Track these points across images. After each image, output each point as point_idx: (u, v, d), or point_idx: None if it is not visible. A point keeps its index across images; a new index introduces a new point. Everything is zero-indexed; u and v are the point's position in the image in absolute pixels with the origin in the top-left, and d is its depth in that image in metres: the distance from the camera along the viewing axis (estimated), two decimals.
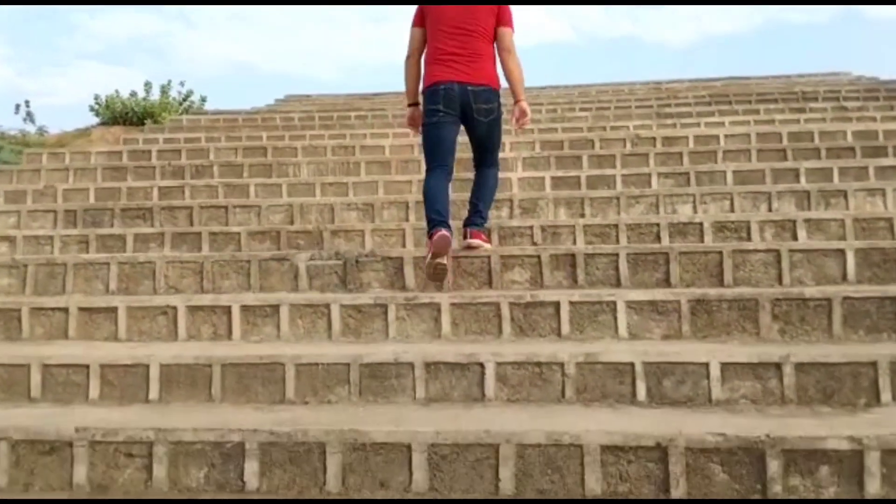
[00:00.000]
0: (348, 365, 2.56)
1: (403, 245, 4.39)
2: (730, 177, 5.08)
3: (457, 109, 3.50)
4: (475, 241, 3.58)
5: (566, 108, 8.74)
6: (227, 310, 3.06)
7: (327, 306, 3.03)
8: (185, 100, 15.40)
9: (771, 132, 6.09)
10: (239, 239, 4.49)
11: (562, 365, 2.50)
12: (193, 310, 3.08)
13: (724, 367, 2.45)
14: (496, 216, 4.73)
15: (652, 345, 2.76)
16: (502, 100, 3.63)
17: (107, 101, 14.64)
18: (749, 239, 4.11)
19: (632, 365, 2.47)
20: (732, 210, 4.61)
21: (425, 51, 3.63)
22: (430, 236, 3.31)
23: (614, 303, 2.92)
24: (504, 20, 3.59)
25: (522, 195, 4.86)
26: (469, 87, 3.46)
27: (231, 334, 3.05)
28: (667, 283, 3.31)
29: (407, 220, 4.79)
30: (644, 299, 2.91)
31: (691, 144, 6.02)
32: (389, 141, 7.13)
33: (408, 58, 3.70)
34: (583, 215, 4.69)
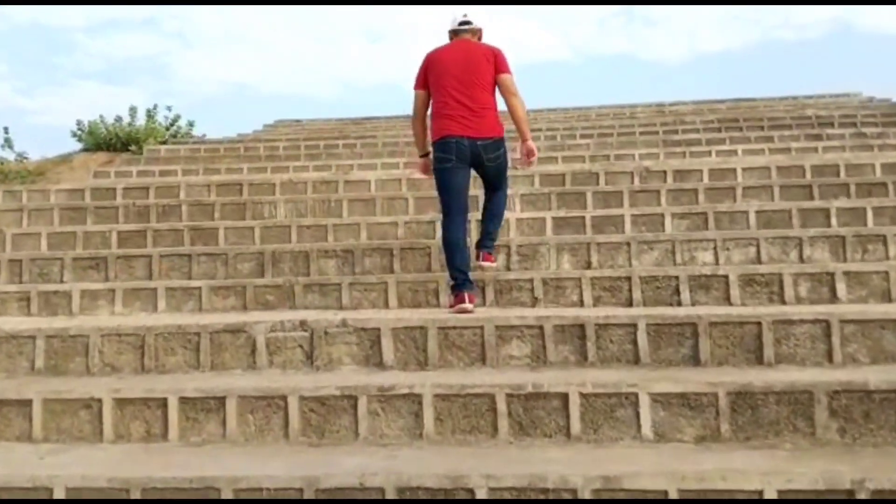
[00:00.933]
0: (301, 491, 2.01)
1: (386, 302, 3.86)
2: (752, 218, 4.56)
3: (467, 160, 3.74)
4: (486, 263, 3.90)
5: (566, 134, 8.24)
6: (163, 402, 2.52)
7: (284, 399, 2.49)
8: (172, 124, 14.93)
9: (793, 165, 5.59)
10: (199, 295, 3.96)
11: (574, 492, 1.95)
12: (122, 403, 2.54)
13: (783, 495, 1.91)
14: (494, 268, 4.21)
15: (684, 453, 2.21)
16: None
17: (90, 126, 14.18)
18: (782, 294, 3.59)
19: (665, 494, 1.92)
20: (759, 258, 4.09)
21: (431, 106, 3.85)
22: (455, 296, 3.53)
23: (636, 395, 2.38)
24: (502, 67, 3.80)
25: (521, 240, 4.33)
26: (478, 142, 3.70)
27: (167, 433, 2.50)
28: (695, 360, 2.77)
29: (391, 269, 4.26)
30: (672, 391, 2.37)
31: (706, 179, 5.51)
32: (376, 174, 6.63)
33: (413, 117, 3.97)
34: (589, 264, 4.16)
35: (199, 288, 3.95)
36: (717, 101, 11.90)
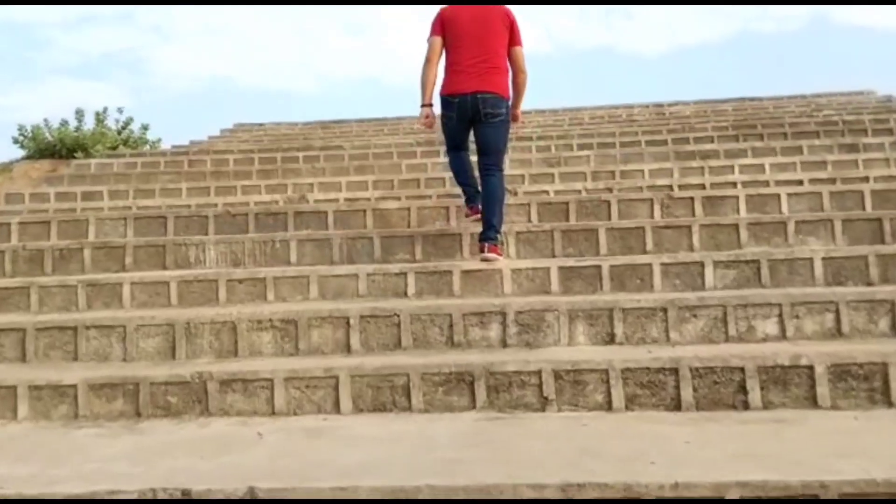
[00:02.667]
0: None
1: (337, 404, 2.76)
2: (818, 268, 3.51)
3: (466, 118, 3.90)
4: (491, 255, 3.76)
5: (561, 144, 7.17)
6: None
7: None
8: (124, 128, 13.68)
9: (848, 190, 4.55)
10: (75, 395, 2.83)
11: None
12: None
13: None
14: (485, 344, 3.13)
15: None
16: None
17: (33, 131, 12.89)
18: (888, 393, 2.56)
19: None
20: (839, 329, 3.04)
21: (443, 58, 3.96)
22: (470, 208, 4.07)
23: None
24: (516, 39, 3.95)
25: (520, 302, 3.25)
26: (479, 96, 3.82)
27: None
28: None
29: (347, 349, 3.16)
30: None
31: (743, 208, 4.46)
32: (339, 198, 5.51)
33: (427, 62, 3.98)
34: (612, 337, 3.10)
35: (75, 386, 2.82)
36: (721, 100, 10.90)
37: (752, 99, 10.85)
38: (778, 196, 4.48)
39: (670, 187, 5.43)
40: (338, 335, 3.19)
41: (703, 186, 5.44)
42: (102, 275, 3.91)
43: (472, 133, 4.01)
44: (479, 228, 3.86)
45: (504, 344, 3.14)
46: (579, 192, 5.47)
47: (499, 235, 3.83)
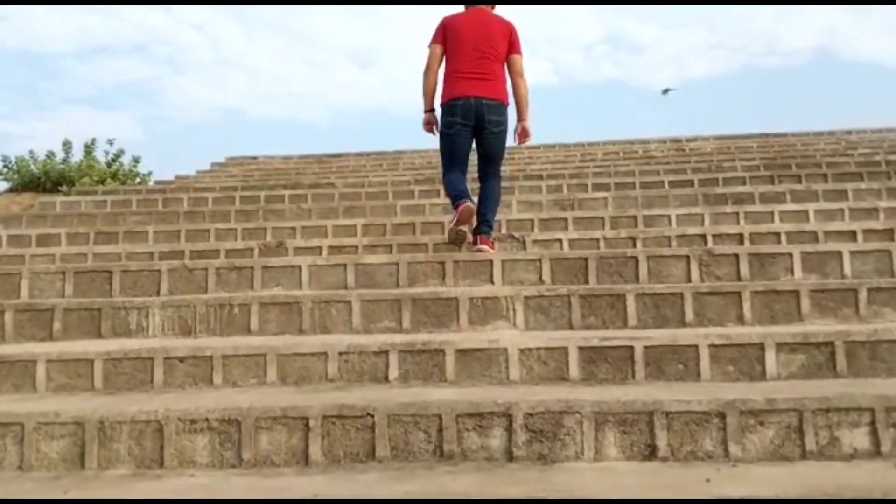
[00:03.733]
0: None
1: None
2: None
3: (472, 120, 4.04)
4: (483, 247, 4.08)
5: (574, 184, 6.47)
6: None
7: None
8: (114, 160, 13.12)
9: None
10: None
11: None
12: None
13: None
14: (484, 455, 2.39)
15: None
16: None
17: (17, 162, 12.34)
18: None
19: None
20: None
21: (444, 66, 4.14)
22: (456, 207, 4.13)
23: None
24: (515, 47, 4.16)
25: (531, 400, 2.50)
26: (483, 101, 4.02)
27: None
28: None
29: (305, 459, 2.42)
30: None
31: (798, 269, 3.71)
32: (325, 242, 4.82)
33: (427, 70, 4.17)
34: (653, 451, 2.34)
35: None
36: (743, 136, 10.26)
37: (776, 135, 10.20)
38: (839, 254, 3.74)
39: (703, 238, 4.71)
40: (293, 441, 2.45)
41: (740, 237, 4.71)
42: (13, 347, 3.19)
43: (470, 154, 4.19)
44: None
45: (510, 456, 2.39)
46: (598, 241, 4.75)
47: (491, 230, 4.18)
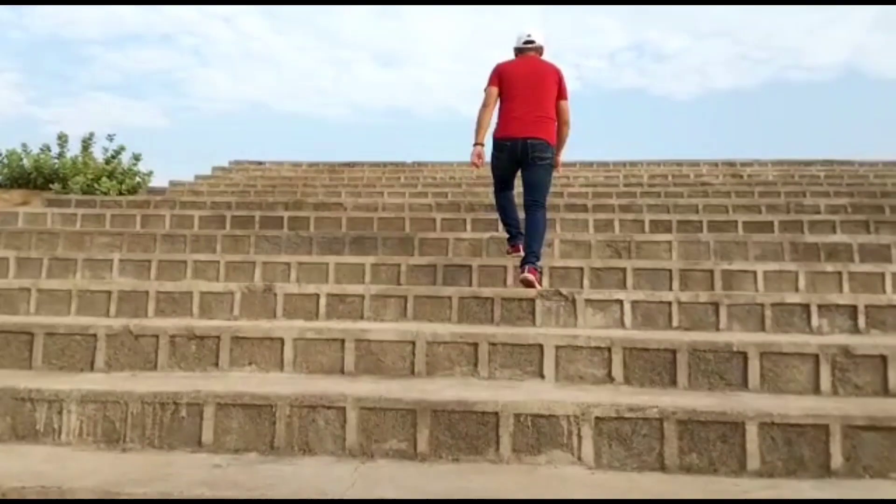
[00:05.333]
0: None
1: None
2: None
3: (516, 160, 4.27)
4: (530, 277, 3.96)
5: (628, 220, 5.41)
6: None
7: None
8: (113, 157, 12.18)
9: None
10: None
11: None
12: None
13: None
14: None
15: None
16: None
17: (7, 156, 11.45)
18: None
19: None
20: None
21: (498, 106, 4.35)
22: (511, 245, 4.43)
23: None
24: (563, 93, 4.34)
25: None
26: (529, 141, 4.20)
27: None
28: None
29: None
30: None
31: None
32: (325, 289, 3.85)
33: (483, 108, 4.37)
34: None
35: None
36: (804, 162, 9.16)
37: (841, 162, 9.11)
38: None
39: (806, 310, 3.65)
40: None
41: (853, 311, 3.65)
42: None
43: (518, 174, 4.39)
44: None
45: None
46: (669, 307, 3.71)
47: (538, 261, 4.12)
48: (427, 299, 3.87)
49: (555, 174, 4.52)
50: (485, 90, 4.38)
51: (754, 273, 4.22)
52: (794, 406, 2.40)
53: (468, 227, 5.37)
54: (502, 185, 4.48)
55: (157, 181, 10.76)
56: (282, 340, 2.88)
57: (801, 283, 4.17)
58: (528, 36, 4.46)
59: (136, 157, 12.20)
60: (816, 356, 2.71)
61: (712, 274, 4.23)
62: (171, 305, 3.94)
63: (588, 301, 3.78)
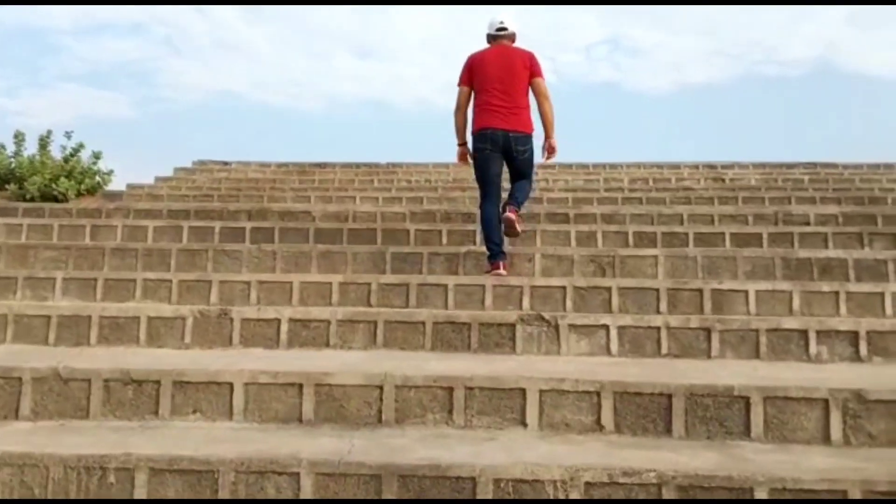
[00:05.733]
0: None
1: None
2: None
3: (500, 149, 4.31)
4: (511, 215, 4.26)
5: (611, 231, 5.14)
6: None
7: None
8: (71, 156, 11.66)
9: None
10: None
11: None
12: None
13: None
14: None
15: None
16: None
17: None
18: None
19: None
20: None
21: (472, 102, 4.40)
22: (491, 264, 4.30)
23: None
24: (536, 72, 4.36)
25: None
26: (510, 134, 4.28)
27: None
28: None
29: None
30: None
31: None
32: (286, 313, 3.54)
33: (457, 109, 4.46)
34: None
35: None
36: (787, 164, 9.00)
37: (824, 165, 8.96)
38: None
39: (804, 336, 3.42)
40: None
41: (854, 337, 3.42)
42: None
43: (501, 175, 4.42)
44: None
45: None
46: (658, 332, 3.45)
47: (520, 205, 4.39)
48: (399, 324, 3.56)
49: (552, 160, 4.62)
50: (457, 87, 4.42)
51: (746, 293, 3.97)
52: (807, 467, 2.14)
53: (444, 239, 5.07)
54: (488, 186, 4.36)
55: (127, 176, 10.19)
56: (231, 386, 2.56)
57: (796, 303, 3.93)
58: (501, 23, 4.43)
59: (96, 156, 11.67)
60: (826, 401, 2.45)
61: (702, 294, 3.97)
62: (115, 332, 3.59)
63: (572, 326, 3.51)
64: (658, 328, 3.48)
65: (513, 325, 3.52)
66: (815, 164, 8.86)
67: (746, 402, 2.46)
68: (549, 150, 4.44)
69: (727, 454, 2.28)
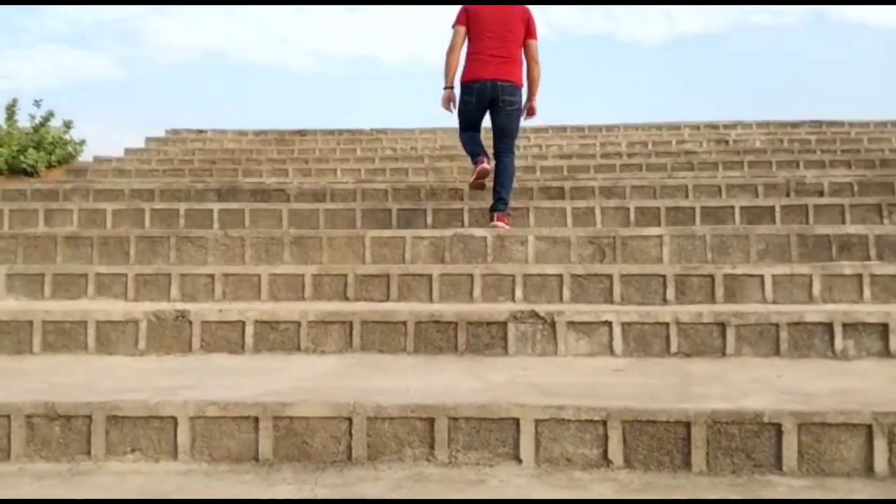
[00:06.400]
0: None
1: None
2: None
3: (486, 102, 4.31)
4: (500, 224, 4.25)
5: (610, 207, 4.74)
6: None
7: None
8: (41, 125, 11.09)
9: None
10: None
11: None
12: None
13: None
14: None
15: None
16: None
17: None
18: None
19: None
20: None
21: (465, 48, 4.38)
22: (475, 163, 4.37)
23: None
24: (532, 32, 4.37)
25: None
26: (498, 83, 4.25)
27: None
28: None
29: None
30: None
31: None
32: (254, 309, 3.18)
33: (450, 49, 4.39)
34: None
35: None
36: (791, 123, 8.57)
37: (830, 123, 8.53)
38: None
39: (829, 329, 3.06)
40: None
41: (883, 330, 3.06)
42: None
43: (485, 118, 4.43)
44: None
45: None
46: (667, 329, 3.09)
47: (507, 207, 4.37)
48: (377, 325, 3.20)
49: (534, 120, 4.68)
50: (452, 28, 4.39)
51: (761, 278, 3.60)
52: None
53: (429, 219, 4.67)
54: (469, 128, 4.44)
55: (115, 140, 9.50)
56: (174, 420, 2.18)
57: (816, 289, 3.58)
58: None
59: (67, 125, 11.07)
60: (869, 427, 2.10)
61: (713, 280, 3.60)
62: (61, 338, 3.22)
63: (571, 324, 3.15)
64: (666, 324, 3.12)
65: (504, 324, 3.17)
66: (820, 123, 8.42)
67: (778, 430, 2.11)
68: (530, 110, 4.49)
69: (756, 492, 1.94)
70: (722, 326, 3.11)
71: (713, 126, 8.49)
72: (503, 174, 4.36)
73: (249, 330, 3.20)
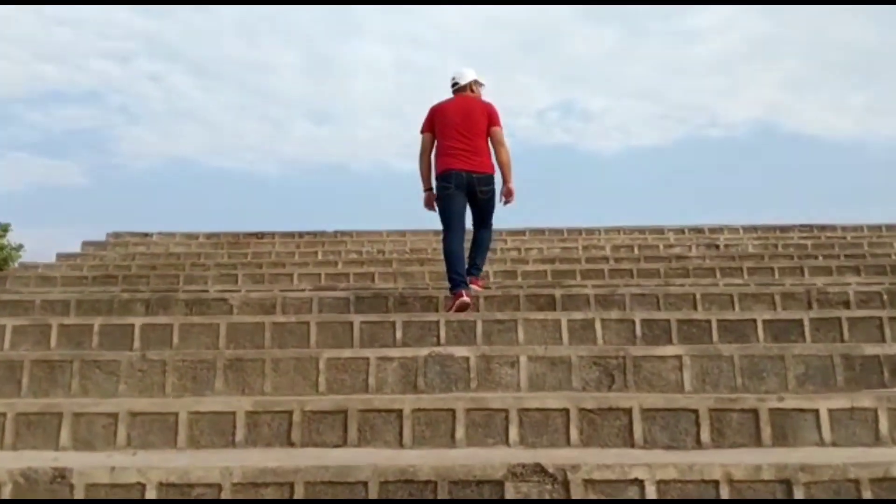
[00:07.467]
0: None
1: None
2: None
3: (464, 188, 4.50)
4: (474, 287, 4.51)
5: (612, 319, 4.03)
6: None
7: None
8: None
9: None
10: None
11: None
12: None
13: None
14: None
15: None
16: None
17: None
18: None
19: None
20: None
21: (435, 147, 4.66)
22: (454, 295, 4.30)
23: None
24: (494, 121, 4.63)
25: None
26: (474, 175, 4.50)
27: None
28: None
29: None
30: None
31: None
32: (156, 475, 2.26)
33: (421, 155, 4.72)
34: None
35: None
36: (780, 227, 8.12)
37: (820, 227, 8.11)
38: None
39: None
40: None
41: None
42: None
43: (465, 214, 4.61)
44: None
45: None
46: (716, 489, 2.31)
47: (480, 272, 4.74)
48: (327, 487, 2.35)
49: (511, 205, 4.71)
50: (420, 134, 4.69)
51: (816, 413, 2.87)
52: None
53: (398, 334, 3.89)
54: (452, 222, 4.48)
55: (72, 248, 8.28)
56: None
57: (884, 426, 2.85)
58: (453, 78, 4.76)
59: (3, 228, 10.30)
60: None
61: (756, 416, 2.85)
62: None
63: (589, 483, 2.34)
64: (716, 482, 2.34)
65: (500, 483, 2.36)
66: (811, 227, 8.01)
67: None
68: (507, 193, 4.65)
69: None
70: (787, 484, 2.34)
71: (698, 230, 8.01)
72: (480, 246, 4.71)
73: (152, 494, 2.33)
